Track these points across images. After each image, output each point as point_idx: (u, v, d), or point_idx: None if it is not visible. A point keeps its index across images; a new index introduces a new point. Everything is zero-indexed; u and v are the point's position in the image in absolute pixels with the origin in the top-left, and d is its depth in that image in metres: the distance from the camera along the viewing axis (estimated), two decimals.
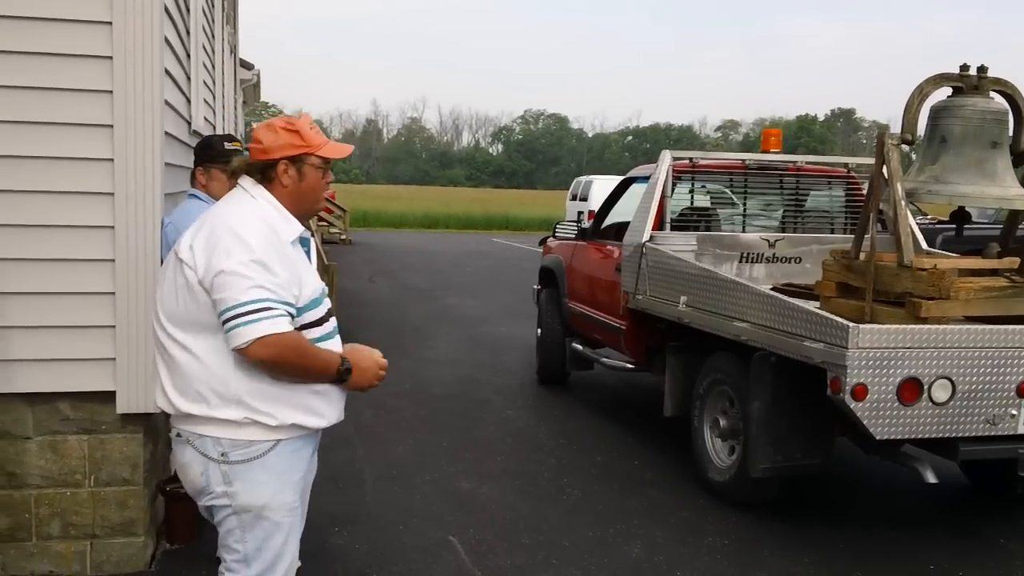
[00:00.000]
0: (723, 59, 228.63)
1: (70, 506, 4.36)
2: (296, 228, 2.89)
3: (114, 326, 4.20)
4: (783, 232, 7.45)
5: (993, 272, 5.13)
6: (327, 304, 2.96)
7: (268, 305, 2.65)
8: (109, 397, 4.28)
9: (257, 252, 2.68)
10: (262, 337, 2.63)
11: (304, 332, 2.81)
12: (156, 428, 4.63)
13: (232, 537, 2.88)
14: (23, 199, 4.10)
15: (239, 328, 2.64)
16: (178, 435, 2.87)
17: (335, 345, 2.96)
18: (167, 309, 2.81)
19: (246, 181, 2.90)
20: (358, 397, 8.38)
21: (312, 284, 2.88)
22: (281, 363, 2.72)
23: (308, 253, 3.01)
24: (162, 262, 4.11)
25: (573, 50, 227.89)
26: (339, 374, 2.87)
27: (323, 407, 2.91)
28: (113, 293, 4.18)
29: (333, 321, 2.98)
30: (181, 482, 2.99)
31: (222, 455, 2.79)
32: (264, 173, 2.88)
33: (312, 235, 3.12)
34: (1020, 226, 5.73)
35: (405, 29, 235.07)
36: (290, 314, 2.73)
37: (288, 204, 2.89)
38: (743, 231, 7.47)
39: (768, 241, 7.19)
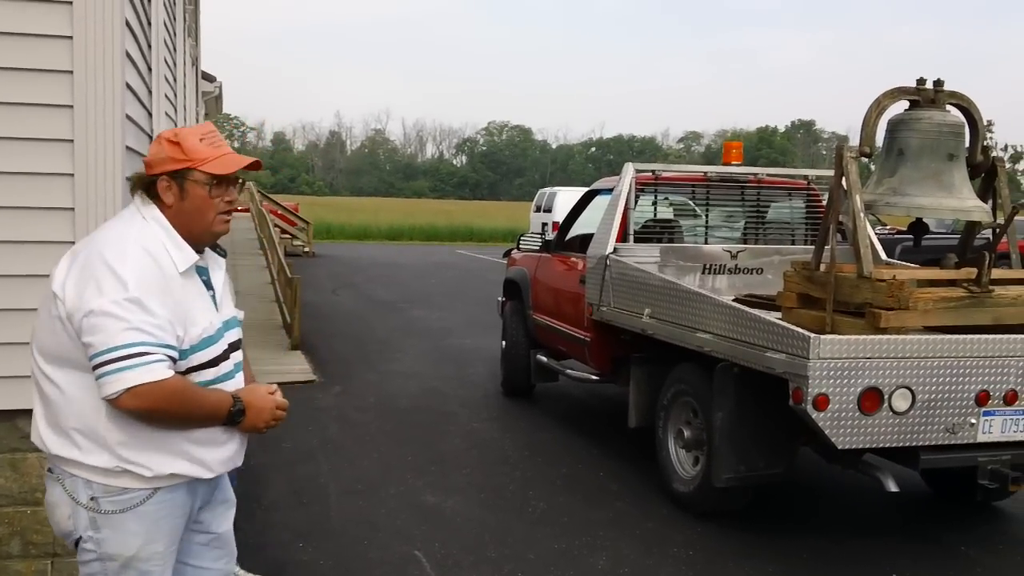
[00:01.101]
0: (685, 71, 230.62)
1: (30, 525, 4.30)
2: (188, 256, 2.60)
3: None
4: (745, 243, 7.51)
5: (951, 282, 5.20)
6: (229, 339, 2.73)
7: (143, 350, 2.39)
8: None
9: (132, 289, 2.42)
10: (133, 388, 2.39)
11: (195, 374, 2.58)
12: None
13: None
14: None
15: (108, 377, 2.39)
16: (50, 471, 2.64)
17: (235, 385, 2.72)
18: (39, 342, 2.57)
19: (140, 200, 2.63)
20: (324, 411, 8.35)
21: (203, 322, 2.61)
22: (157, 413, 2.47)
23: (208, 282, 2.72)
24: None
25: (536, 62, 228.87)
26: (230, 416, 2.61)
27: (207, 456, 2.66)
28: None
29: (235, 357, 2.75)
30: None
31: (92, 499, 2.55)
32: (148, 191, 2.62)
33: (226, 255, 2.84)
34: (977, 237, 5.82)
35: (368, 41, 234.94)
36: (171, 357, 2.47)
37: (177, 225, 2.60)
38: (705, 243, 7.53)
39: (730, 252, 7.25)
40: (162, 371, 2.43)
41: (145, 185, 2.62)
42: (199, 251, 2.67)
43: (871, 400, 4.70)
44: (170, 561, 2.71)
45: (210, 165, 2.60)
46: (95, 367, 2.41)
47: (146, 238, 2.55)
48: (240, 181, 2.76)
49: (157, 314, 2.44)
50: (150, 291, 2.45)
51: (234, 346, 2.75)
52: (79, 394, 2.51)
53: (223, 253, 2.84)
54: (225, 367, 2.68)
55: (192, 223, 2.62)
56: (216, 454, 2.68)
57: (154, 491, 2.59)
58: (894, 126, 5.39)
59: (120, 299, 2.40)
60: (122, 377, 2.38)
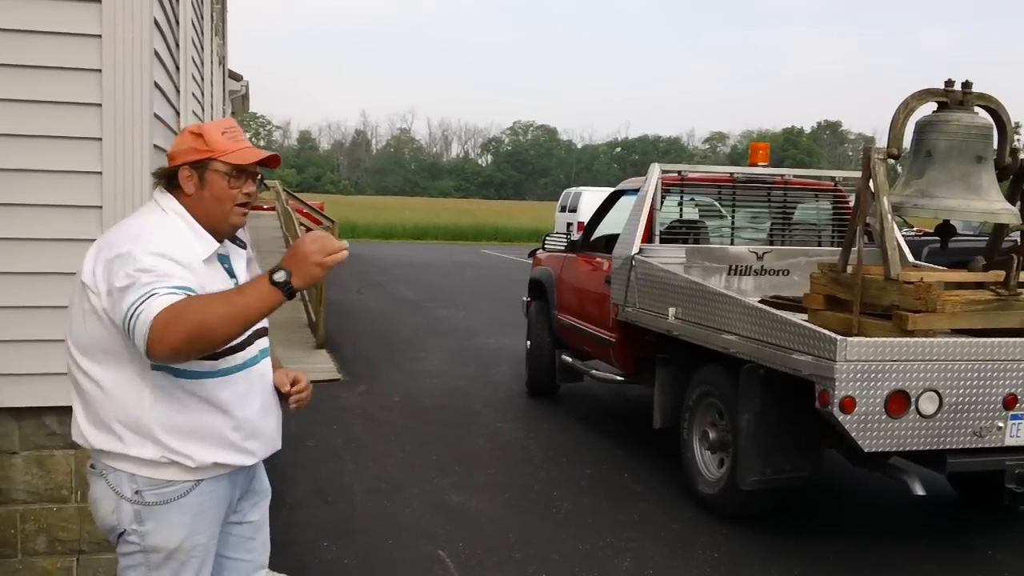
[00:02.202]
0: (710, 71, 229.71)
1: (56, 522, 4.33)
2: (209, 245, 2.65)
3: None
4: (771, 245, 7.48)
5: (979, 285, 5.16)
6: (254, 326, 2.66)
7: (152, 291, 2.36)
8: None
9: (147, 263, 2.43)
10: (153, 320, 2.31)
11: (222, 360, 2.59)
12: None
13: (135, 573, 2.68)
14: (10, 212, 4.08)
15: (135, 331, 2.35)
16: (92, 467, 2.67)
17: (262, 371, 2.75)
18: (75, 337, 2.61)
19: (159, 194, 2.70)
20: (348, 410, 8.38)
21: None
22: (193, 332, 2.33)
23: (231, 270, 2.74)
24: None
25: (562, 62, 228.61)
26: (279, 287, 2.39)
27: (249, 442, 2.70)
28: None
29: (260, 344, 2.77)
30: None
31: (136, 493, 2.59)
32: (170, 181, 2.68)
33: (246, 247, 2.90)
34: (1005, 239, 5.77)
35: (394, 40, 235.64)
36: (186, 292, 2.40)
37: (196, 215, 2.65)
38: (731, 244, 7.50)
39: (756, 254, 7.22)
40: (169, 298, 2.35)
41: (166, 177, 2.68)
42: (219, 240, 2.71)
43: (898, 403, 4.68)
44: (211, 552, 2.75)
45: (230, 156, 2.65)
46: (128, 330, 2.38)
47: (167, 228, 2.60)
48: (260, 178, 2.79)
49: (176, 275, 2.43)
50: (171, 266, 2.46)
51: (259, 333, 2.75)
52: (119, 386, 2.54)
53: (243, 245, 2.87)
54: (251, 352, 2.70)
55: (211, 212, 2.66)
56: (257, 439, 2.73)
57: (197, 482, 2.63)
58: (922, 128, 5.36)
59: (132, 271, 2.41)
60: (140, 321, 2.33)
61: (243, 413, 2.67)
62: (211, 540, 2.73)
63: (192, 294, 2.42)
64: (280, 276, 2.39)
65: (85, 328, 2.56)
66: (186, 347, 2.36)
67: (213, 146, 2.64)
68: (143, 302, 2.35)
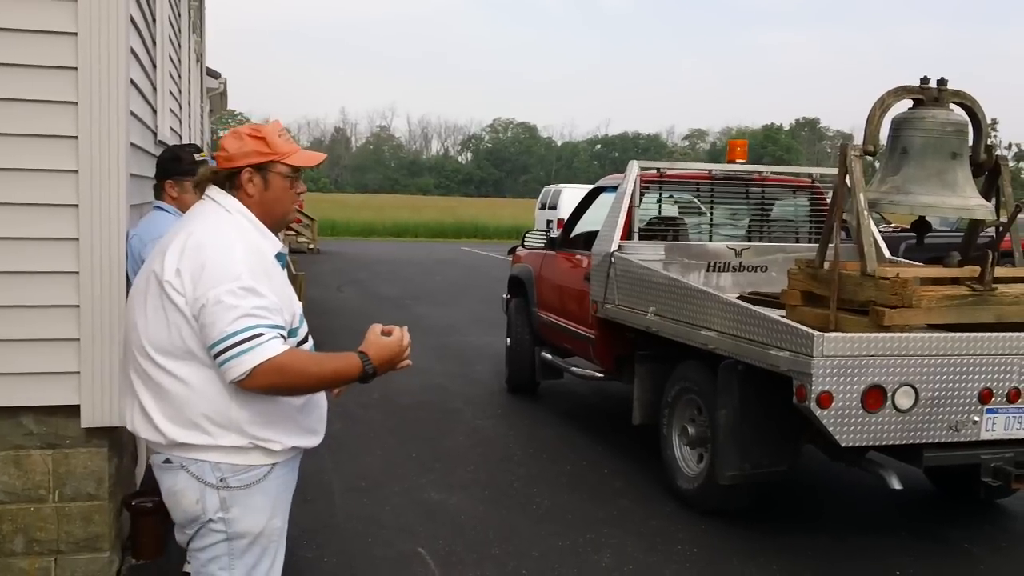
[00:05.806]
0: (691, 69, 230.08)
1: (34, 522, 4.30)
2: (275, 244, 2.79)
3: (78, 339, 4.15)
4: (749, 241, 7.51)
5: (954, 281, 5.20)
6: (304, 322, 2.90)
7: (257, 331, 2.51)
8: (73, 411, 4.22)
9: (245, 278, 2.55)
10: (256, 366, 2.49)
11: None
12: (121, 442, 4.59)
13: (217, 564, 2.75)
14: None
15: (231, 361, 2.50)
16: (167, 461, 2.71)
17: None
18: (153, 337, 2.63)
19: (217, 194, 2.76)
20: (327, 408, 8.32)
21: (296, 299, 2.80)
22: (284, 386, 2.59)
23: (285, 265, 2.90)
24: (127, 275, 4.08)
25: (542, 59, 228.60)
26: (364, 377, 2.72)
27: (316, 425, 2.88)
28: (77, 306, 4.13)
29: (310, 340, 2.90)
30: (169, 510, 2.82)
31: (221, 480, 2.67)
32: (229, 182, 2.76)
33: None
34: (980, 235, 5.82)
35: (374, 37, 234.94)
36: (282, 336, 2.59)
37: (256, 215, 2.77)
38: (710, 240, 7.52)
39: (735, 250, 7.25)
40: (277, 347, 2.53)
41: (223, 178, 2.77)
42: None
43: (874, 398, 4.70)
44: (284, 538, 2.89)
45: (292, 158, 2.79)
46: (216, 355, 2.52)
47: (241, 229, 2.70)
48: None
49: (268, 297, 2.57)
50: (259, 277, 2.59)
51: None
52: (204, 383, 2.61)
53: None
54: (311, 342, 2.87)
55: (272, 211, 2.80)
56: (320, 423, 2.90)
57: (273, 466, 2.74)
58: (898, 125, 5.40)
59: (234, 288, 2.52)
60: (243, 360, 2.49)
61: (311, 399, 2.83)
62: (284, 525, 2.87)
63: (283, 332, 2.59)
64: (370, 369, 2.70)
65: (168, 329, 2.61)
66: (271, 393, 2.62)
67: (276, 148, 2.76)
68: (250, 341, 2.50)
